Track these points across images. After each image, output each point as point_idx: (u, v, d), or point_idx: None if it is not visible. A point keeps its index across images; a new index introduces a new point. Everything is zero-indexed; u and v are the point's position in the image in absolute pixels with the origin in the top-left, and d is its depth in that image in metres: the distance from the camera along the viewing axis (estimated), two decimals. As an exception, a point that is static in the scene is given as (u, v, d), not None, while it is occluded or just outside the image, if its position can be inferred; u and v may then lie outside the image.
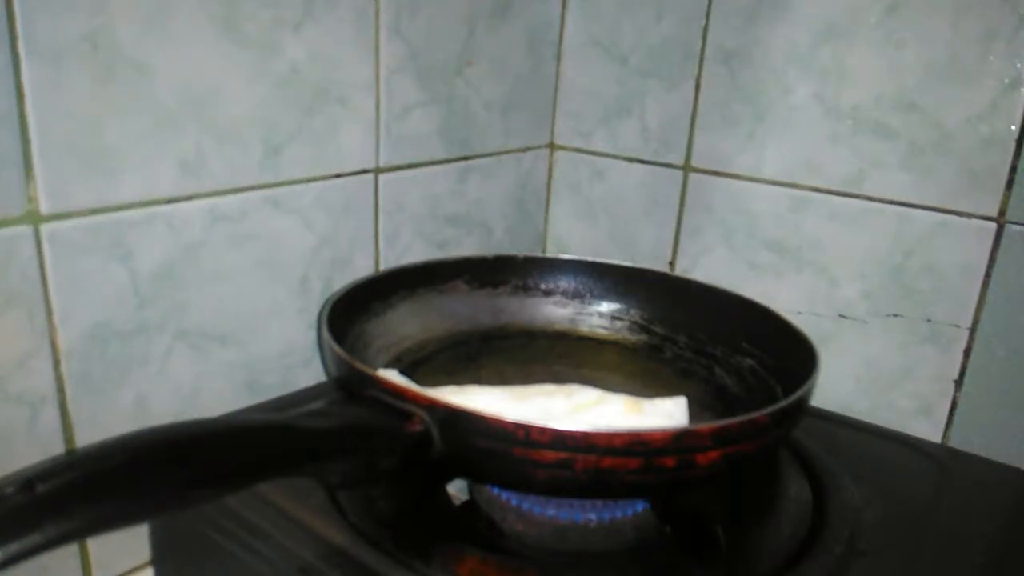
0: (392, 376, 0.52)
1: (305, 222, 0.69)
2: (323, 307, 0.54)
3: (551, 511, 0.48)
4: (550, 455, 0.41)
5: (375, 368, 0.57)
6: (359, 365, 0.45)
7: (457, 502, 0.52)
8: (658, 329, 0.70)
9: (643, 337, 0.70)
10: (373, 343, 0.60)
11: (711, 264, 0.83)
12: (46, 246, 0.54)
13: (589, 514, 0.49)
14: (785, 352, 0.59)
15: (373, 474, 0.41)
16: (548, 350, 0.68)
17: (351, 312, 0.58)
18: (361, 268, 0.75)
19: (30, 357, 0.55)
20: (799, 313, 0.79)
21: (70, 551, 0.59)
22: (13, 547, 0.27)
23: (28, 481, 0.28)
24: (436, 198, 0.80)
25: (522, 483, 0.47)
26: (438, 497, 0.50)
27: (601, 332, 0.71)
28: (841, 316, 0.77)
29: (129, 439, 0.32)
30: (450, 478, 0.51)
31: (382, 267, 0.77)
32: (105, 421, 0.59)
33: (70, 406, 0.57)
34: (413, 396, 0.42)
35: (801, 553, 0.47)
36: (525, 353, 0.68)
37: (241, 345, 0.67)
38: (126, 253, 0.58)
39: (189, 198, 0.61)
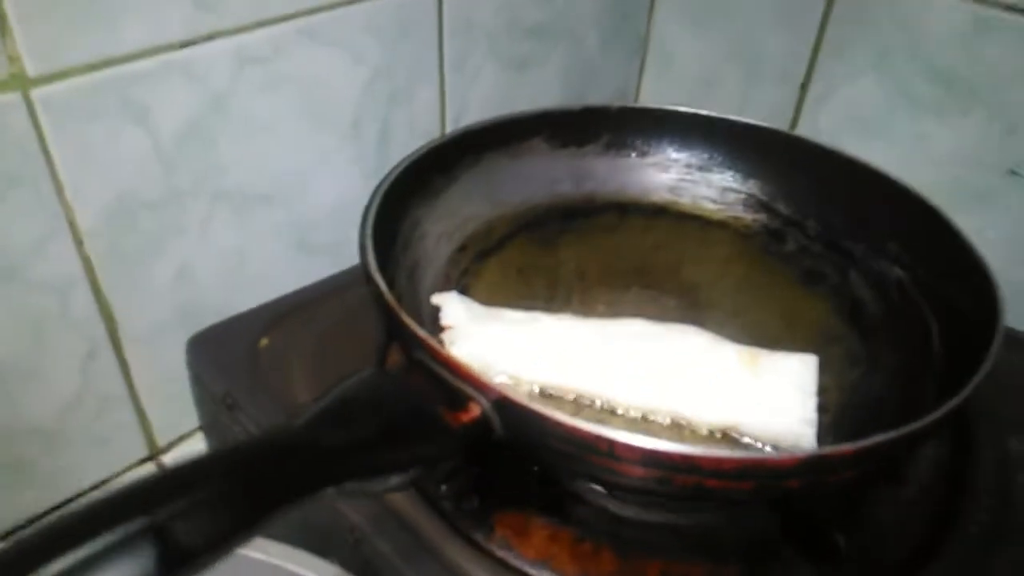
0: (448, 305, 0.44)
1: (352, 54, 0.57)
2: (369, 202, 0.44)
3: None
4: (639, 471, 0.33)
5: (431, 288, 0.48)
6: (406, 320, 0.36)
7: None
8: (781, 208, 0.57)
9: (761, 217, 0.57)
10: (432, 230, 0.50)
11: (855, 93, 0.67)
12: (41, 114, 0.45)
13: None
14: (949, 271, 0.46)
15: (423, 473, 0.35)
16: (642, 235, 0.56)
17: (404, 197, 0.48)
18: (424, 103, 0.63)
19: (47, 240, 0.48)
20: (958, 164, 0.65)
21: (128, 420, 0.57)
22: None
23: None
24: (514, 6, 0.65)
25: (605, 484, 0.40)
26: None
27: (708, 208, 0.58)
28: (1013, 173, 0.62)
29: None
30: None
31: (448, 101, 0.64)
32: (146, 298, 0.54)
33: (103, 286, 0.51)
34: (467, 376, 0.34)
35: (932, 545, 0.40)
36: (613, 240, 0.56)
37: (288, 203, 0.59)
38: (140, 113, 0.49)
39: (208, 38, 0.50)
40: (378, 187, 0.46)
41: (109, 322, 0.53)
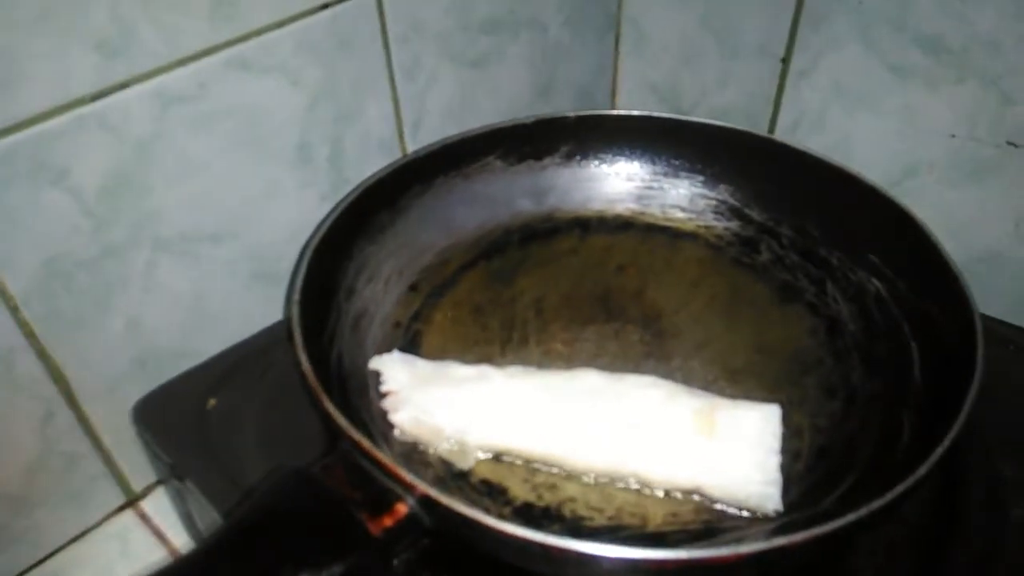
0: (388, 368, 0.41)
1: (288, 78, 0.53)
2: (297, 263, 0.41)
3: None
4: (577, 572, 0.31)
5: (379, 339, 0.45)
6: (330, 409, 0.33)
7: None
8: (754, 214, 0.52)
9: (733, 225, 0.53)
10: (382, 270, 0.47)
11: (839, 64, 0.62)
12: (-50, 189, 0.42)
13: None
14: (927, 285, 0.42)
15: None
16: (605, 256, 0.52)
17: (345, 241, 0.45)
18: (377, 117, 0.59)
19: (-22, 312, 0.46)
20: (953, 136, 0.60)
21: (99, 472, 0.56)
22: None
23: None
24: (463, 1, 0.60)
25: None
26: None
27: (678, 218, 0.54)
28: (1009, 144, 0.57)
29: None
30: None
31: (403, 110, 0.60)
32: (97, 354, 0.52)
33: (48, 349, 0.50)
34: (392, 473, 0.31)
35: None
36: (574, 264, 0.52)
37: (240, 239, 0.56)
38: (58, 174, 0.46)
39: (122, 86, 0.47)
40: (307, 243, 0.43)
41: (61, 383, 0.51)
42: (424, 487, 0.31)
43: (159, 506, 0.58)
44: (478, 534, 0.31)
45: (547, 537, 0.29)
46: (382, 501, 0.32)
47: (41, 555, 0.55)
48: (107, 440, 0.55)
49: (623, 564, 0.29)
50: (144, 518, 0.58)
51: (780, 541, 0.29)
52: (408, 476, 0.32)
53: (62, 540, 0.56)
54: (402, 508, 0.32)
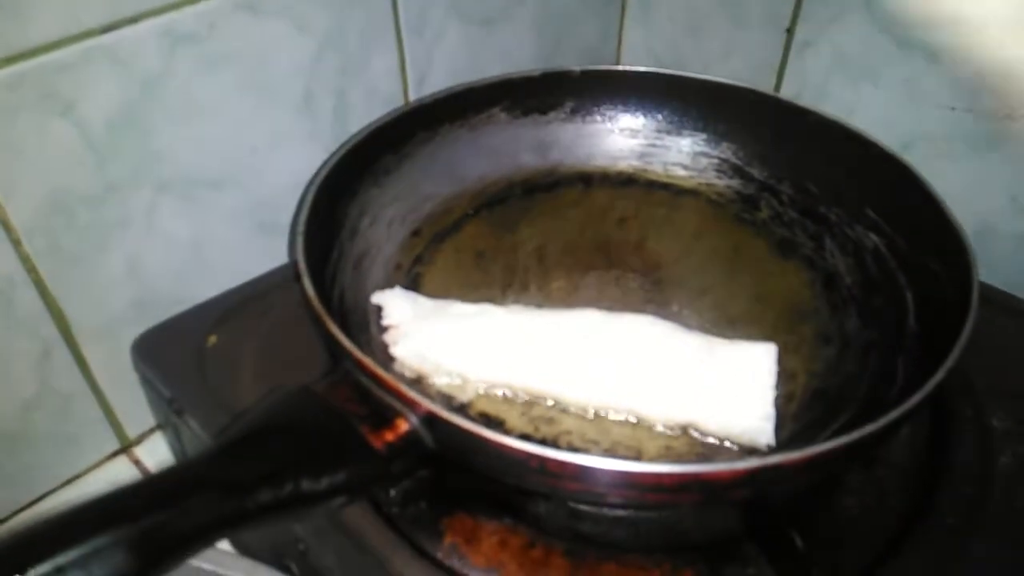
0: (390, 302, 0.41)
1: (296, 24, 0.53)
2: (303, 195, 0.42)
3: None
4: (575, 486, 0.31)
5: (381, 279, 0.45)
6: (332, 328, 0.33)
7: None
8: (755, 172, 0.53)
9: (734, 183, 0.53)
10: (383, 215, 0.47)
11: (842, 36, 0.62)
12: (-45, 113, 0.42)
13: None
14: (926, 239, 0.43)
15: (348, 503, 0.33)
16: (607, 209, 0.52)
17: (350, 181, 0.45)
18: (382, 71, 0.59)
19: (-20, 242, 0.46)
20: (953, 109, 0.61)
21: (94, 415, 0.56)
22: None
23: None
24: (476, -44, 0.61)
25: (545, 495, 0.38)
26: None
27: (679, 175, 0.54)
28: (1007, 117, 0.58)
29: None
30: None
31: (408, 66, 0.61)
32: (96, 294, 0.52)
33: (49, 285, 0.50)
34: (394, 390, 0.32)
35: (905, 532, 0.38)
36: (576, 215, 0.52)
37: (242, 186, 0.56)
38: (65, 105, 0.46)
39: (132, 21, 0.47)
40: (314, 177, 0.43)
41: (60, 320, 0.51)
42: (427, 403, 0.31)
43: (153, 452, 0.59)
44: (478, 450, 0.31)
45: (545, 450, 0.30)
46: (384, 417, 0.32)
47: (34, 496, 0.55)
48: (103, 382, 0.55)
49: (620, 478, 0.30)
50: (138, 464, 0.58)
51: (775, 459, 0.30)
52: (411, 393, 0.32)
53: (55, 483, 0.56)
54: (403, 425, 0.32)
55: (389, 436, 0.32)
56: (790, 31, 0.65)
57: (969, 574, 0.37)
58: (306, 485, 0.29)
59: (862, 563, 0.37)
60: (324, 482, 0.30)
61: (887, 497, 0.40)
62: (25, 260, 0.48)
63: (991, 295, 0.52)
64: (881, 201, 0.47)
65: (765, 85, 0.67)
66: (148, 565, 0.25)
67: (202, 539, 0.27)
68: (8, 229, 0.47)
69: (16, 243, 0.47)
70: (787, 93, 0.66)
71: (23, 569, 0.23)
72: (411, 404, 0.32)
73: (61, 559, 0.24)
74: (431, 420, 0.32)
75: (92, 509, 0.26)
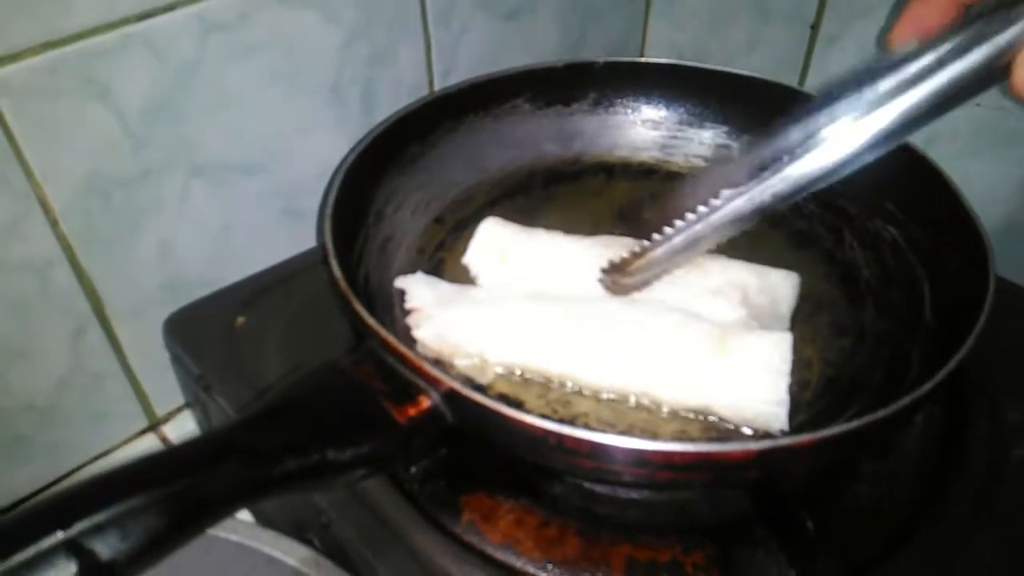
0: (413, 287, 0.42)
1: (325, 14, 0.54)
2: (331, 179, 0.43)
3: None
4: (591, 463, 0.32)
5: (404, 263, 0.46)
6: (357, 307, 0.35)
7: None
8: None
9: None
10: (409, 200, 0.48)
11: (867, 31, 0.62)
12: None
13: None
14: (944, 231, 0.43)
15: (372, 474, 0.34)
16: (628, 197, 0.54)
17: (376, 167, 0.46)
18: (409, 62, 0.60)
19: (20, 221, 0.48)
20: (978, 105, 0.60)
21: (124, 393, 0.58)
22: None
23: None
24: (501, -48, 0.61)
25: (562, 471, 0.39)
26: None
27: (700, 166, 0.55)
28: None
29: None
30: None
31: (435, 57, 0.62)
32: (129, 274, 0.54)
33: (84, 265, 0.51)
34: (417, 367, 0.33)
35: (915, 522, 0.38)
36: (597, 205, 0.53)
37: (271, 172, 0.57)
38: (102, 90, 0.48)
39: (168, 8, 0.48)
40: (341, 163, 0.44)
41: (94, 299, 0.53)
42: (449, 380, 0.32)
43: (181, 430, 0.60)
44: (498, 427, 0.32)
45: (562, 427, 0.31)
46: (407, 393, 0.33)
47: (62, 471, 0.57)
48: (134, 361, 0.57)
49: (632, 455, 0.31)
50: (165, 441, 0.60)
51: (784, 441, 0.30)
52: (434, 371, 0.33)
53: (84, 458, 0.58)
54: (425, 401, 0.33)
55: (411, 411, 0.33)
56: (815, 27, 0.65)
57: (978, 565, 0.38)
58: (331, 455, 0.30)
59: (871, 551, 0.37)
60: (348, 453, 0.31)
61: (899, 487, 0.40)
62: (62, 240, 0.50)
63: (1013, 291, 0.52)
64: (900, 194, 0.47)
65: (789, 80, 0.67)
66: (177, 527, 0.26)
67: (229, 504, 0.28)
68: (47, 209, 0.48)
69: (54, 223, 0.49)
70: (811, 88, 0.66)
71: (67, 525, 0.25)
72: (434, 382, 0.33)
73: (100, 517, 0.25)
74: (453, 397, 0.33)
75: (128, 472, 0.27)
